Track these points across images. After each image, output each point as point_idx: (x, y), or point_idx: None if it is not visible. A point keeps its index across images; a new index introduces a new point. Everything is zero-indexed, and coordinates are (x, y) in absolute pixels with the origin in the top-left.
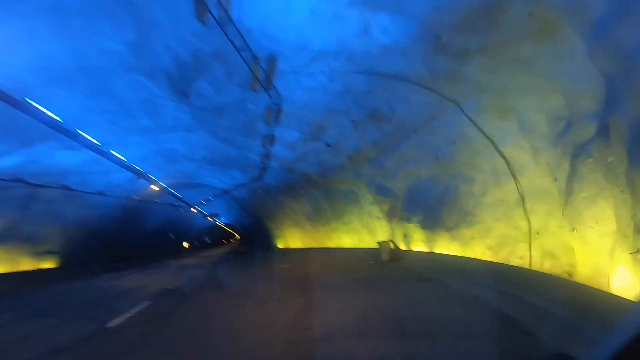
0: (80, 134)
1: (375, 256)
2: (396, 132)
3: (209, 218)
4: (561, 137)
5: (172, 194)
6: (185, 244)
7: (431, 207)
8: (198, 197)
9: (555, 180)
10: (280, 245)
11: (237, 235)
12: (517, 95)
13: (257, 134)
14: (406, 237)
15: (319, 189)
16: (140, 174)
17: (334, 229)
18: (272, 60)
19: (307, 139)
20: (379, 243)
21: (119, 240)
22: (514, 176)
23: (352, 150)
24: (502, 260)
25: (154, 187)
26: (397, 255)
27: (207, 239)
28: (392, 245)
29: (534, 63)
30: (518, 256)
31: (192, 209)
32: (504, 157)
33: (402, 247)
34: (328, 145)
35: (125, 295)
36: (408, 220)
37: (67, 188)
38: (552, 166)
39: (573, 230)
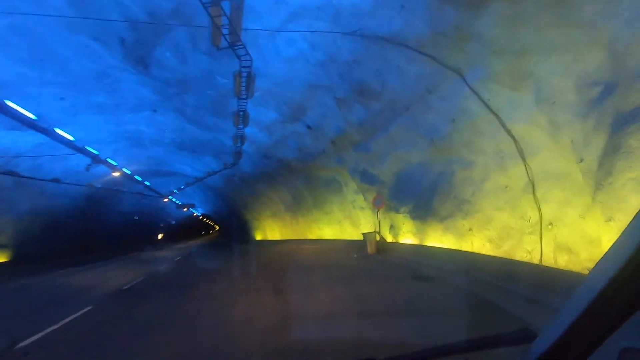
0: (18, 111)
1: (359, 249)
2: (386, 111)
3: (184, 209)
4: (595, 106)
5: (140, 182)
6: (160, 236)
7: (422, 195)
8: (170, 186)
9: (581, 161)
10: (259, 237)
11: (215, 227)
12: (539, 56)
13: (229, 113)
14: (393, 228)
15: (299, 176)
16: (99, 160)
17: (315, 219)
18: (238, 7)
19: (286, 120)
20: (364, 235)
21: (83, 232)
22: (523, 158)
23: (336, 132)
24: (505, 255)
25: (117, 174)
26: (383, 248)
27: (183, 230)
28: (377, 237)
29: (573, 7)
30: (525, 250)
31: (164, 199)
32: (512, 137)
33: (389, 239)
34: (309, 127)
35: (68, 298)
36: (396, 210)
37: (13, 174)
38: (578, 144)
39: (609, 220)
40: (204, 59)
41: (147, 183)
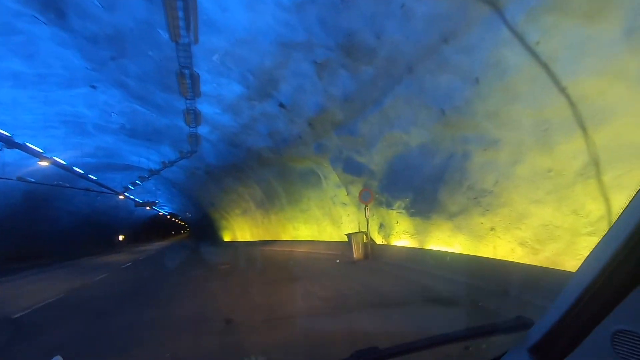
0: None
1: (343, 253)
2: (380, 77)
3: (146, 207)
4: None
5: (84, 176)
6: (121, 237)
7: (424, 186)
8: (126, 181)
9: None
10: (227, 237)
11: (185, 226)
12: None
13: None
14: (384, 227)
15: (271, 168)
16: (13, 143)
17: (289, 218)
18: None
19: (254, 96)
20: (348, 236)
21: (21, 235)
22: (583, 129)
23: (314, 111)
24: (548, 263)
25: (45, 164)
26: (372, 252)
27: (149, 231)
28: (365, 239)
29: None
30: (580, 256)
31: (119, 196)
32: (567, 98)
33: (379, 240)
34: (282, 105)
35: None
36: (388, 206)
37: None
38: None
39: None
40: (139, 2)
41: (93, 177)
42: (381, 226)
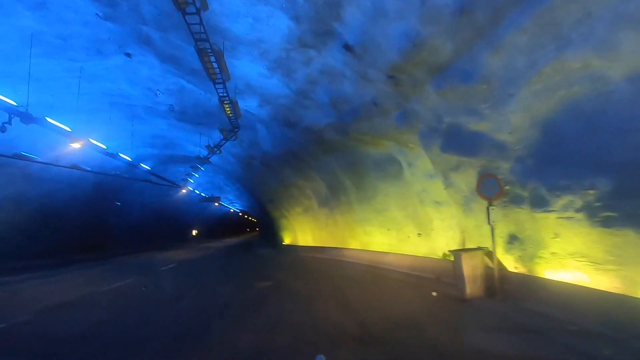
0: None
1: (439, 277)
2: None
3: (215, 203)
4: None
5: (135, 165)
6: (194, 232)
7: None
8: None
9: None
10: (287, 239)
11: (255, 224)
12: None
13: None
14: (520, 243)
15: (336, 155)
16: (28, 117)
17: (360, 220)
18: None
19: (308, 37)
20: (456, 255)
21: (90, 226)
22: None
23: (400, 50)
24: None
25: (77, 145)
26: (501, 288)
27: (224, 227)
28: (485, 260)
29: None
30: None
31: (182, 190)
32: None
33: (512, 267)
34: (348, 48)
35: None
36: (536, 205)
37: None
38: None
39: None
40: None
41: (146, 167)
42: (513, 240)
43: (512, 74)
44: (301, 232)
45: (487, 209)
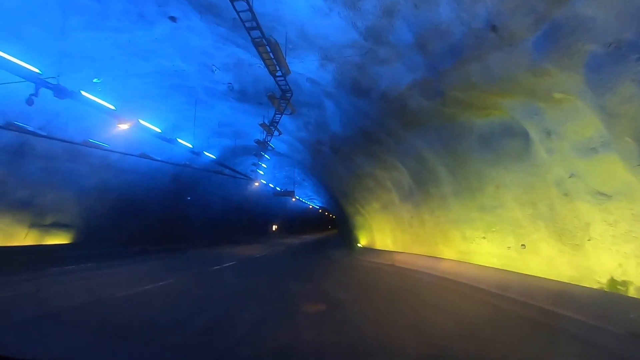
0: None
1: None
2: None
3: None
4: None
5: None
6: (274, 227)
7: None
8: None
9: None
10: (363, 240)
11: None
12: None
13: None
14: None
15: (424, 130)
16: (62, 91)
17: (456, 219)
18: None
19: None
20: None
21: (169, 216)
22: None
23: None
24: None
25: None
26: None
27: (304, 223)
28: None
29: None
30: None
31: (254, 183)
32: None
33: None
34: None
35: None
36: None
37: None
38: None
39: None
40: None
41: (211, 156)
42: None
43: None
44: (379, 232)
45: None
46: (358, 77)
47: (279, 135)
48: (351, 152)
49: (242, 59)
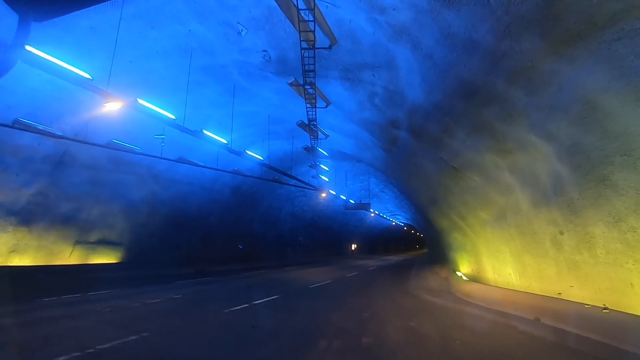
0: None
1: None
2: None
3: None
4: None
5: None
6: (353, 246)
7: None
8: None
9: None
10: (464, 267)
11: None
12: None
13: None
14: None
15: (598, 50)
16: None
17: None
18: None
19: None
20: None
21: (227, 235)
22: None
23: None
24: None
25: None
26: None
27: (388, 242)
28: None
29: None
30: None
31: (321, 194)
32: None
33: None
34: None
35: None
36: None
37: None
38: None
39: None
40: None
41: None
42: None
43: None
44: (490, 257)
45: None
46: (450, 24)
47: (324, 106)
48: (442, 132)
49: (274, 8)
